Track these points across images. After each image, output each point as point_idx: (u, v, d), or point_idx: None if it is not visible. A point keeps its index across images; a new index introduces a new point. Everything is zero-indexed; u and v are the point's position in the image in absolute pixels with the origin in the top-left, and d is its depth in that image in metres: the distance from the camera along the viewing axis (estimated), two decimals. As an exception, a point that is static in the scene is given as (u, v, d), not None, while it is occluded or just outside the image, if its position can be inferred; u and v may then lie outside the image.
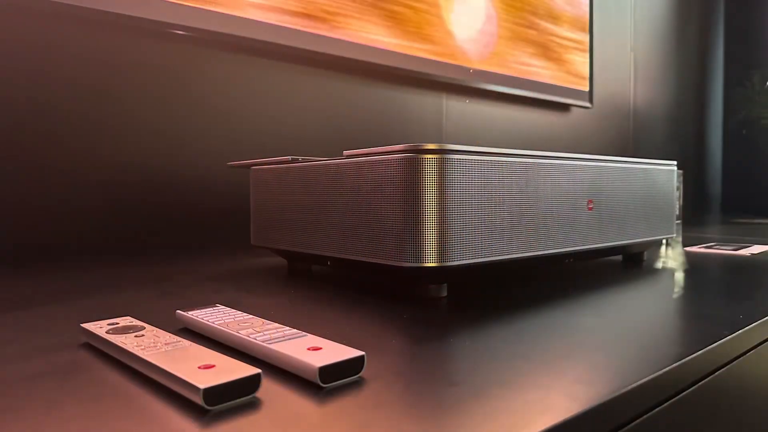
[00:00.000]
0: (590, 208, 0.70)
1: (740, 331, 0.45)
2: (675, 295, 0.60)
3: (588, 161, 0.69)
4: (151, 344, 0.37)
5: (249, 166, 0.81)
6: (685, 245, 1.11)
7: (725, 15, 2.92)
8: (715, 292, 0.62)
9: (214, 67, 1.15)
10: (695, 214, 2.49)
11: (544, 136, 1.91)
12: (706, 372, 0.41)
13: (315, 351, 0.35)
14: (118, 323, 0.43)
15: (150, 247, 1.07)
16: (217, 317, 0.44)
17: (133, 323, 0.43)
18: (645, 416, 0.34)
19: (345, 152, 0.62)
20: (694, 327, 0.47)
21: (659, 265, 0.84)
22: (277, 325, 0.42)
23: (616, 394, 0.32)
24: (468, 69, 1.57)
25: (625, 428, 0.33)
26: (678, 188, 1.62)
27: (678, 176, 1.59)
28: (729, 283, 0.68)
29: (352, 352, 0.35)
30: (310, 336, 0.38)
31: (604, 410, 0.31)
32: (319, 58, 1.26)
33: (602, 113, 2.16)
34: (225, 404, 0.30)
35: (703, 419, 0.41)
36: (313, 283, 0.70)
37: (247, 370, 0.32)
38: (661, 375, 0.35)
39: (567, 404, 0.30)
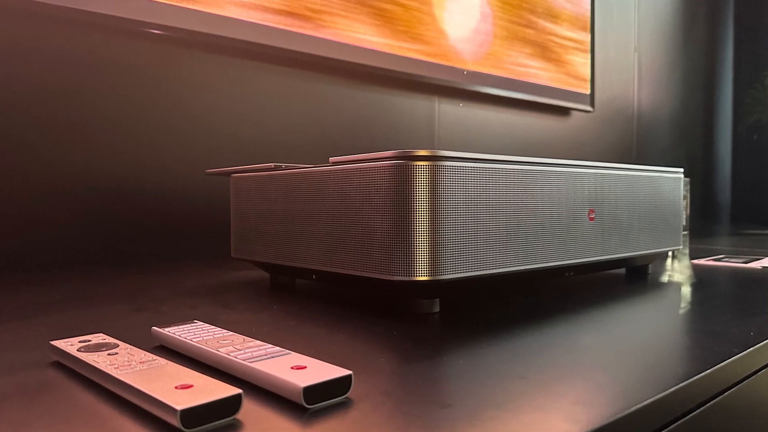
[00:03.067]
0: (592, 219, 0.71)
1: (751, 349, 0.46)
2: (682, 311, 0.61)
3: (589, 168, 0.70)
4: (126, 363, 0.37)
5: (229, 173, 0.81)
6: (692, 257, 1.12)
7: (735, 13, 2.96)
8: (724, 307, 0.63)
9: (192, 69, 1.15)
10: (703, 224, 2.51)
11: (543, 141, 1.93)
12: (715, 392, 0.41)
13: (299, 370, 0.35)
14: (90, 340, 0.43)
15: (124, 258, 1.07)
16: (196, 334, 0.45)
17: (106, 340, 0.43)
18: (649, 438, 0.35)
19: (331, 159, 0.62)
20: (702, 344, 0.48)
21: (665, 278, 0.85)
22: (258, 342, 0.42)
23: (619, 416, 0.32)
24: (462, 70, 1.59)
25: (628, 451, 0.33)
26: (685, 197, 1.63)
27: (685, 184, 1.61)
28: (739, 298, 0.69)
29: (338, 371, 0.35)
30: (293, 354, 0.39)
31: (606, 432, 0.31)
32: (303, 58, 1.26)
33: (604, 117, 2.18)
34: (204, 426, 0.30)
35: (710, 441, 0.42)
36: (297, 297, 0.70)
37: (228, 390, 0.32)
38: (666, 396, 0.36)
39: (566, 427, 0.31)
